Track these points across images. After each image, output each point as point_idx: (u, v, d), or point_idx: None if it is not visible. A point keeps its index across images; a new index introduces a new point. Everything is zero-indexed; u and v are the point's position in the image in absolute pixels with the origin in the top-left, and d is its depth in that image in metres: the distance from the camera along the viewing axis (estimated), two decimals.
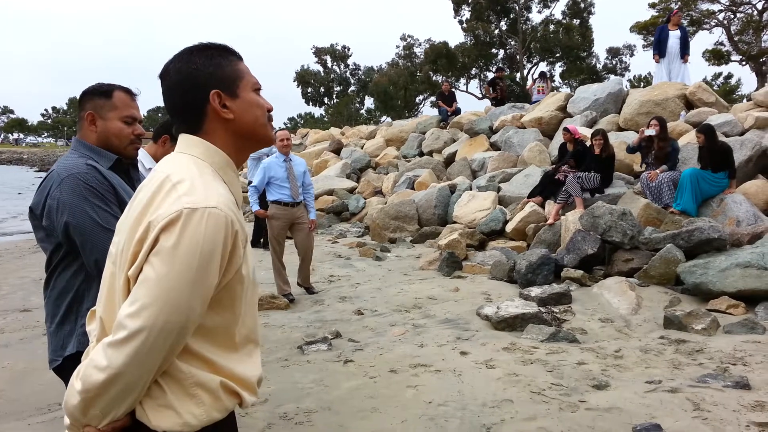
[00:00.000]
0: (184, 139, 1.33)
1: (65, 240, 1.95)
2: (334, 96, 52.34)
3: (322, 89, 51.97)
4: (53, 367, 2.06)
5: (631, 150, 8.29)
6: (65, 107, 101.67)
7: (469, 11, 39.64)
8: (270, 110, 1.40)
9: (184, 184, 1.19)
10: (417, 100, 44.53)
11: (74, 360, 1.99)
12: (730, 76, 35.14)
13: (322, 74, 52.46)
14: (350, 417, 3.48)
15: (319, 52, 52.00)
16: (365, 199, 12.41)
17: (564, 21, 39.78)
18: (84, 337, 1.97)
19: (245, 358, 1.30)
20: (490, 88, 16.59)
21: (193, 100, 1.30)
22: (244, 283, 1.25)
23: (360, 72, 53.17)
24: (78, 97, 2.20)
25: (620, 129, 10.42)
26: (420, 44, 43.96)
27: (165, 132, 3.22)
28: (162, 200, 1.18)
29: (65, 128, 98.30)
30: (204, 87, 1.29)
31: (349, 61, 53.25)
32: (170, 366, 1.19)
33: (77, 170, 1.97)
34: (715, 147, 7.09)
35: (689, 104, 10.12)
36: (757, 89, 25.52)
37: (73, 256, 1.99)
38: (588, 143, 8.57)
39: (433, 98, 41.61)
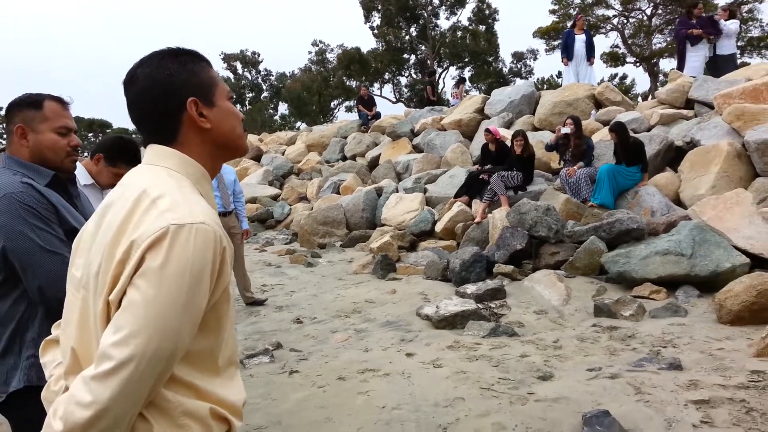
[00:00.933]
0: (155, 150, 1.22)
1: (3, 266, 1.76)
2: (247, 102, 51.26)
3: (233, 96, 50.69)
4: None
5: (549, 148, 8.64)
6: None
7: (380, 17, 40.07)
8: (242, 120, 1.33)
9: (164, 198, 1.09)
10: (332, 105, 44.45)
11: (20, 396, 1.79)
12: (625, 76, 37.53)
13: (233, 80, 51.23)
14: (303, 430, 3.37)
15: (228, 58, 50.68)
16: (290, 205, 12.21)
17: (470, 27, 41.03)
18: (31, 370, 1.79)
19: (228, 382, 1.21)
20: (432, 90, 16.50)
21: (167, 108, 1.20)
22: (230, 301, 1.17)
23: (272, 78, 52.36)
24: (5, 111, 2.00)
25: (535, 129, 10.86)
26: (332, 50, 43.92)
27: (100, 150, 3.00)
28: (142, 217, 1.08)
29: None
30: (179, 94, 1.20)
31: (261, 67, 52.26)
32: (156, 396, 1.08)
33: (12, 189, 1.79)
34: (627, 143, 7.51)
35: (598, 103, 10.70)
36: (650, 89, 27.51)
37: (12, 282, 1.79)
38: (508, 143, 8.85)
39: (348, 103, 41.75)
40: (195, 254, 1.05)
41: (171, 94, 1.20)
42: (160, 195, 1.10)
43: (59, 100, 2.01)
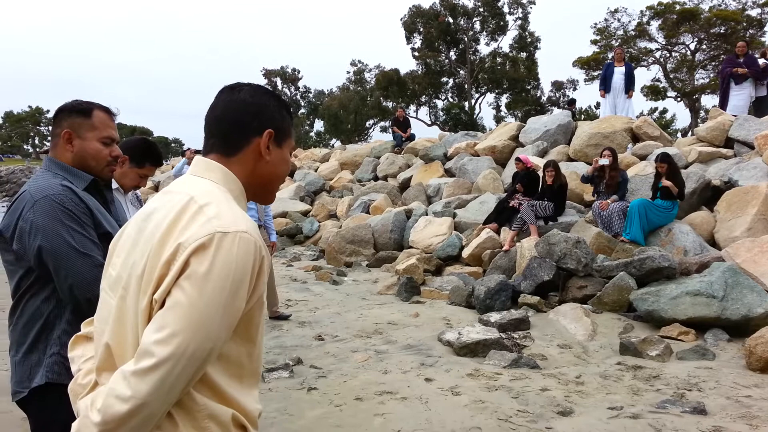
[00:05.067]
0: (203, 163, 1.30)
1: (37, 265, 1.83)
2: None
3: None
4: (17, 399, 1.90)
5: (585, 179, 8.56)
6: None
7: (421, 40, 40.48)
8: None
9: (211, 207, 1.16)
10: (367, 125, 44.87)
11: (41, 392, 1.86)
12: (665, 110, 37.08)
13: None
14: None
15: (269, 74, 51.72)
16: (319, 222, 12.33)
17: (511, 54, 41.09)
18: (53, 367, 1.85)
19: (249, 391, 1.25)
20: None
21: (247, 125, 1.30)
22: (262, 309, 1.23)
23: (310, 95, 53.20)
24: (53, 114, 2.09)
25: (570, 159, 10.76)
26: (370, 70, 44.52)
27: (125, 152, 3.11)
28: (189, 222, 1.14)
29: None
30: (264, 121, 1.31)
31: (300, 84, 53.21)
32: (185, 396, 1.13)
33: (52, 191, 1.86)
34: (677, 173, 7.39)
35: (635, 137, 10.58)
36: (690, 124, 27.06)
37: (44, 281, 1.87)
38: (540, 172, 8.81)
39: (383, 123, 42.08)
40: (237, 261, 1.11)
41: (258, 117, 1.31)
42: (207, 203, 1.17)
43: (107, 111, 2.09)
